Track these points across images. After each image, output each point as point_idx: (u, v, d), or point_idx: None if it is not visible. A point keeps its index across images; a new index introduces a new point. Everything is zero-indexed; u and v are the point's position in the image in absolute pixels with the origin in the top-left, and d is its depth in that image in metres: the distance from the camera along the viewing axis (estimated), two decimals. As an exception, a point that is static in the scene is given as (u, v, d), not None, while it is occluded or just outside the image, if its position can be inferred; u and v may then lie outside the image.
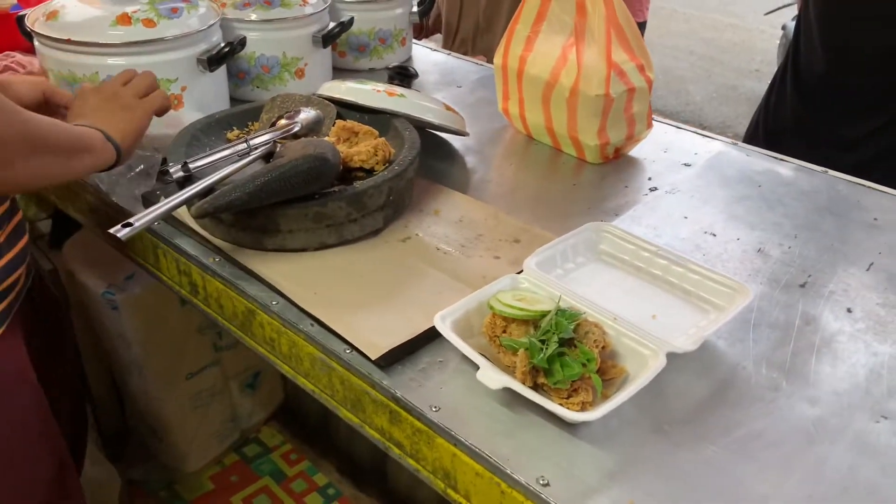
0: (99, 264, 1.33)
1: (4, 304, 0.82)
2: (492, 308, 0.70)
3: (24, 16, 1.04)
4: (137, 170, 0.95)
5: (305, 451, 1.70)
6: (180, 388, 1.48)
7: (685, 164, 1.09)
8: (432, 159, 1.07)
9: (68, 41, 0.97)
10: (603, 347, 0.66)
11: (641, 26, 1.51)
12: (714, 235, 0.92)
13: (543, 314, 0.68)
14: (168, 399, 1.48)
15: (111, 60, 0.99)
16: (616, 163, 1.09)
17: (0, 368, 0.81)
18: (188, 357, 1.48)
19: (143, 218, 0.72)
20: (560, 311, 0.67)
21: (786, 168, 1.08)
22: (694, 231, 0.93)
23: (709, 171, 1.07)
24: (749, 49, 5.21)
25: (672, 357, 0.66)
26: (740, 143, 1.15)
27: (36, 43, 1.02)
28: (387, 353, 0.69)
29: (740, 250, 0.89)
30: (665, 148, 1.13)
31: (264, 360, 0.83)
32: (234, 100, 1.18)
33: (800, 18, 1.45)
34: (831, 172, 1.06)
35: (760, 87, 4.58)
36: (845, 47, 1.32)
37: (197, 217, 0.77)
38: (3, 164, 0.67)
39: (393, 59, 1.41)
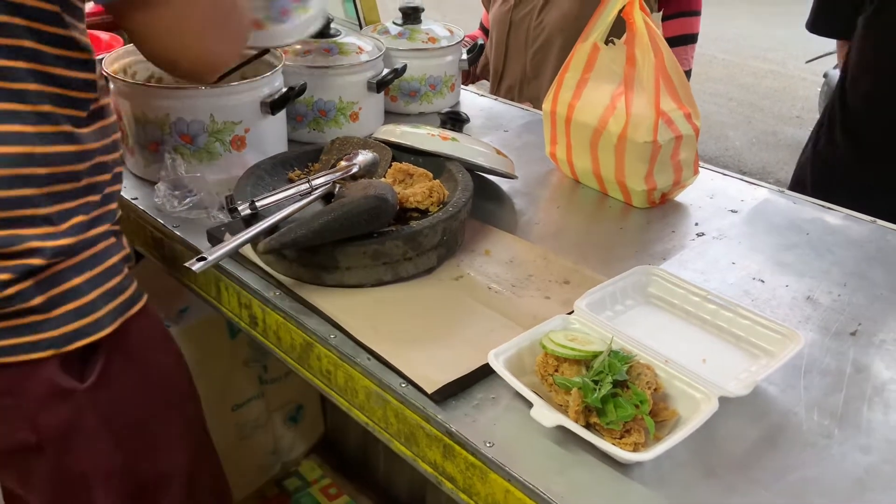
0: (155, 297, 1.38)
1: (136, 280, 0.90)
2: (544, 347, 0.72)
3: (100, 60, 1.10)
4: (193, 202, 0.99)
5: (344, 486, 1.71)
6: (226, 420, 1.51)
7: (732, 211, 1.10)
8: (482, 200, 1.10)
9: (144, 84, 1.03)
10: (655, 389, 0.67)
11: (687, 74, 1.54)
12: (762, 282, 0.93)
13: (595, 355, 0.70)
14: (214, 429, 1.50)
15: (181, 102, 1.04)
16: (662, 208, 1.11)
17: (154, 334, 0.91)
18: (234, 389, 1.51)
19: (215, 252, 0.76)
20: (613, 353, 0.69)
21: (833, 216, 1.09)
22: (742, 277, 0.94)
23: (755, 217, 1.08)
24: (790, 96, 5.21)
25: (724, 401, 0.67)
26: (786, 191, 1.16)
27: (111, 85, 1.09)
28: (442, 387, 0.71)
29: (790, 297, 0.90)
30: (711, 194, 1.15)
31: (307, 394, 0.85)
32: (291, 141, 1.23)
33: (846, 64, 1.48)
34: (880, 222, 1.06)
35: (801, 133, 4.57)
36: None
37: (263, 253, 0.81)
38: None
39: (442, 104, 1.46)
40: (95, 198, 0.82)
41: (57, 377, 0.79)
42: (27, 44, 0.72)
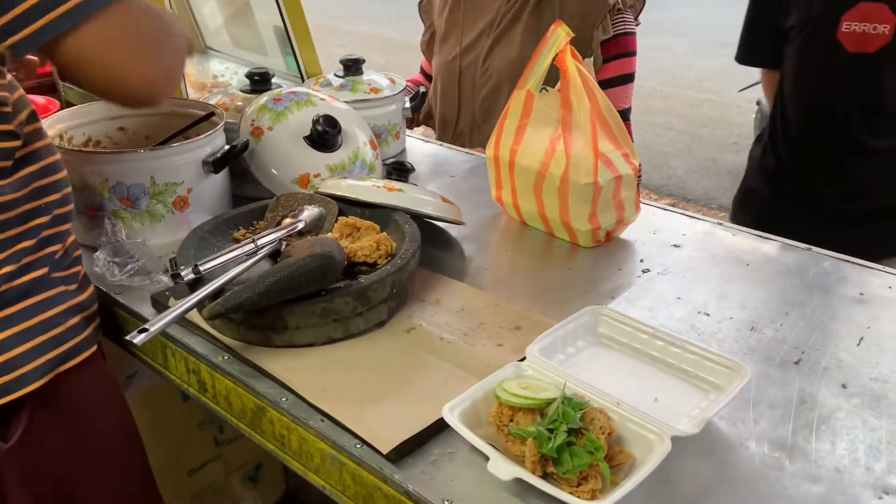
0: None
1: (93, 325, 0.89)
2: (498, 397, 0.72)
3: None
4: (135, 268, 0.97)
5: (308, 545, 1.67)
6: (182, 486, 1.47)
7: (674, 245, 1.13)
8: (431, 247, 1.10)
9: (81, 150, 1.02)
10: (609, 434, 0.68)
11: (627, 112, 1.59)
12: (708, 315, 0.95)
13: (549, 402, 0.70)
14: (169, 498, 1.45)
15: (120, 166, 1.03)
16: (608, 246, 1.13)
17: (93, 387, 0.88)
18: (189, 453, 1.47)
19: (157, 323, 0.74)
20: (566, 400, 0.69)
21: (771, 246, 1.12)
22: (688, 311, 0.96)
23: (698, 251, 1.11)
24: (726, 123, 5.40)
25: (676, 440, 0.68)
26: (725, 223, 1.20)
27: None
28: (397, 446, 0.70)
29: (734, 329, 0.92)
30: (654, 230, 1.18)
31: (265, 452, 0.84)
32: (237, 197, 1.22)
33: (780, 90, 1.59)
34: (815, 249, 1.10)
35: (739, 159, 4.72)
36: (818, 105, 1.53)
37: (209, 318, 0.80)
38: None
39: (388, 153, 1.47)
40: (27, 244, 0.80)
41: None
42: None
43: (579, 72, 1.03)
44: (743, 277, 1.04)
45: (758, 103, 4.30)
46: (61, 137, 1.13)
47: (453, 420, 0.70)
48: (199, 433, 1.47)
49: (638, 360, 0.83)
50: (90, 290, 0.90)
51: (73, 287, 0.86)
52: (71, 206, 0.89)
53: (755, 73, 1.85)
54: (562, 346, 0.84)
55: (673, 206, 4.18)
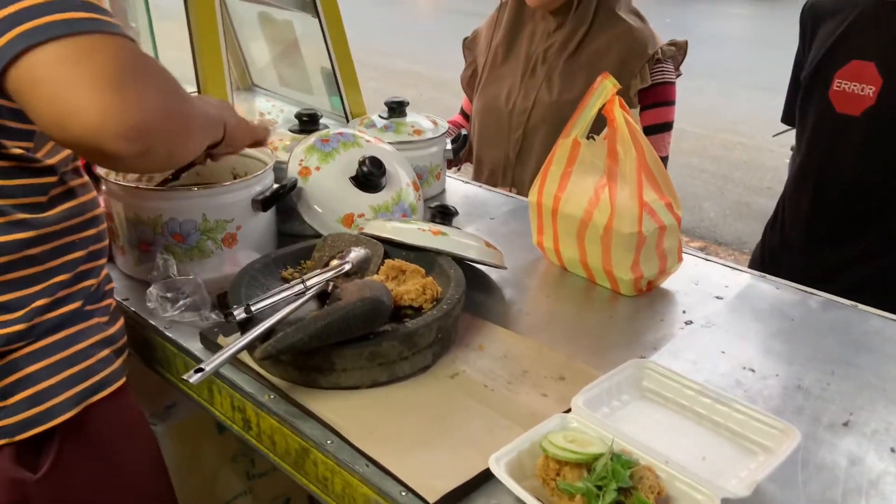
0: (140, 392, 1.36)
1: (122, 358, 0.90)
2: (545, 450, 0.72)
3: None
4: (185, 304, 0.99)
5: (333, 583, 1.65)
6: (212, 518, 1.47)
7: (717, 297, 1.12)
8: (472, 291, 1.11)
9: (136, 187, 1.05)
10: (658, 493, 0.67)
11: (665, 160, 1.59)
12: (753, 371, 0.94)
13: (596, 457, 0.70)
14: (199, 529, 1.46)
15: (173, 203, 1.06)
16: (650, 295, 1.13)
17: (122, 419, 0.89)
18: (221, 487, 1.47)
19: (213, 362, 0.75)
20: (614, 456, 0.69)
21: (815, 301, 1.11)
22: (733, 366, 0.95)
23: (741, 303, 1.11)
24: (759, 167, 5.37)
25: (725, 502, 0.67)
26: (768, 276, 1.19)
27: (104, 186, 1.10)
28: (444, 496, 0.70)
29: (780, 386, 0.91)
30: (696, 280, 1.17)
31: (294, 486, 0.84)
32: (282, 234, 1.24)
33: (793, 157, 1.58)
34: (861, 307, 1.09)
35: (773, 204, 4.68)
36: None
37: (261, 359, 0.81)
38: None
39: (428, 192, 1.49)
40: (63, 277, 0.81)
41: (8, 467, 0.78)
42: None
43: (626, 122, 1.05)
44: (787, 333, 1.03)
45: (792, 149, 4.27)
46: (117, 172, 1.17)
47: (500, 471, 0.70)
48: (231, 466, 1.48)
49: (684, 416, 0.83)
50: (120, 323, 0.92)
51: (104, 319, 0.88)
52: (106, 242, 0.92)
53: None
54: (606, 399, 0.83)
55: (703, 249, 4.13)
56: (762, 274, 1.20)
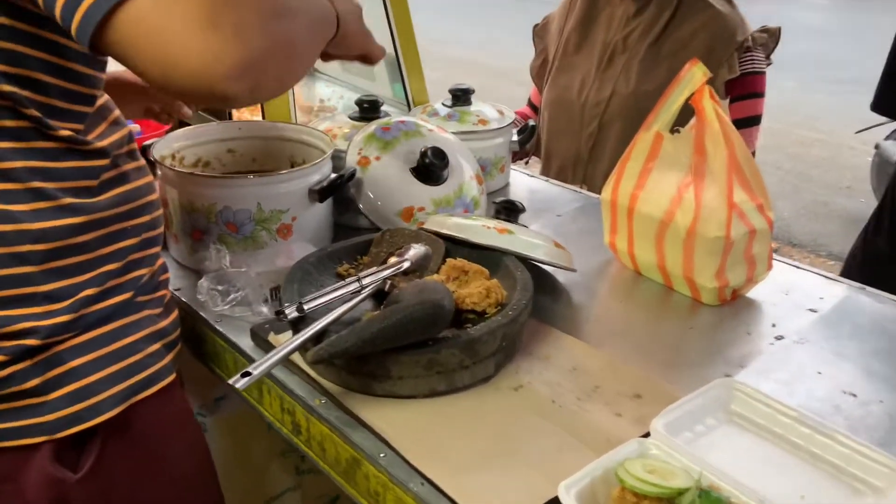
0: (190, 382, 1.33)
1: (173, 352, 0.86)
2: (622, 481, 0.64)
3: (149, 145, 1.08)
4: (237, 299, 0.95)
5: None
6: (259, 513, 1.44)
7: (811, 310, 1.01)
8: (537, 294, 1.02)
9: (191, 173, 1.01)
10: (754, 540, 0.59)
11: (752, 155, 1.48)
12: (854, 396, 0.84)
13: (681, 491, 0.62)
14: (246, 524, 1.43)
15: (228, 191, 1.01)
16: (734, 305, 1.03)
17: (169, 417, 0.85)
18: (269, 481, 1.44)
19: (260, 366, 0.70)
20: (703, 493, 0.61)
21: (924, 318, 1.00)
22: (831, 390, 0.85)
23: (837, 318, 1.00)
24: (839, 165, 5.10)
25: (833, 553, 0.58)
26: (868, 288, 1.08)
27: (159, 171, 1.06)
28: (506, 525, 0.63)
29: (886, 415, 0.81)
30: (786, 290, 1.07)
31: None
32: (338, 226, 1.19)
33: None
34: (980, 326, 0.97)
35: (853, 204, 4.44)
36: None
37: (313, 363, 0.76)
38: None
39: (492, 186, 1.41)
40: (113, 266, 0.78)
41: (49, 465, 0.74)
42: (9, 124, 0.68)
43: (717, 115, 0.95)
44: (891, 352, 0.92)
45: (876, 147, 4.02)
46: (174, 157, 1.13)
47: (570, 501, 0.62)
48: (281, 461, 1.44)
49: (777, 446, 0.74)
50: (174, 315, 0.88)
51: (157, 311, 0.84)
52: (161, 230, 0.87)
53: (874, 114, 1.69)
54: (689, 423, 0.75)
55: (777, 250, 3.96)
56: (862, 285, 1.08)
